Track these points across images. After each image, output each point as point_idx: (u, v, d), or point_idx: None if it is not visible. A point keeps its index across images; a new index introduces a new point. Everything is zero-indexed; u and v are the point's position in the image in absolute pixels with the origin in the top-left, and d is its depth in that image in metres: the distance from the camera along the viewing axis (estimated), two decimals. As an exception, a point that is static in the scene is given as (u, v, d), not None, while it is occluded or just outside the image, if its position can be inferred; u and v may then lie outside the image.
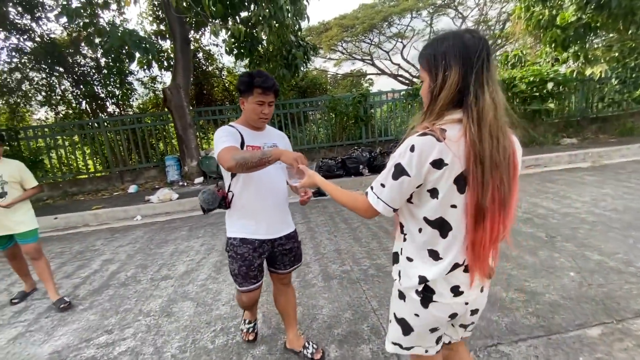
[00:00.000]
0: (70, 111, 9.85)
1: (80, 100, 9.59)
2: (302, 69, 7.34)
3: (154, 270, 3.32)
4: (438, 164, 0.86)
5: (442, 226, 0.94)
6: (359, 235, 3.72)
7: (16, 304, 2.94)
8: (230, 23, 4.65)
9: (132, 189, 6.97)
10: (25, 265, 3.10)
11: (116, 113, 10.03)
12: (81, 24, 5.28)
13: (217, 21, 4.83)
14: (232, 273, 1.74)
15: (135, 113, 10.36)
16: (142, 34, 10.12)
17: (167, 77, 12.82)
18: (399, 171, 0.90)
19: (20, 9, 8.13)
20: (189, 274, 3.15)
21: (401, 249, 1.05)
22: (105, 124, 7.82)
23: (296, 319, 1.98)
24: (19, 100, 10.12)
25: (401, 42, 20.89)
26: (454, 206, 0.91)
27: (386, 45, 21.39)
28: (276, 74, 6.92)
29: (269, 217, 1.72)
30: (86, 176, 7.79)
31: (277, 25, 5.50)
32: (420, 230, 0.98)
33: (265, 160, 1.41)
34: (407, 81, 21.35)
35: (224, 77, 11.74)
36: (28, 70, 9.57)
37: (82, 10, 4.75)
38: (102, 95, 9.60)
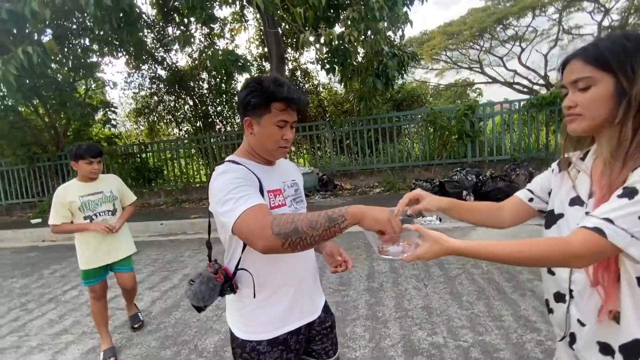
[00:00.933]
0: (191, 128, 11.32)
1: (197, 118, 10.91)
2: (396, 80, 6.70)
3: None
4: None
5: None
6: (459, 289, 2.87)
7: None
8: (321, 30, 4.42)
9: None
10: (107, 310, 2.55)
11: (223, 130, 11.10)
12: (197, 51, 5.88)
13: (307, 30, 4.66)
14: None
15: (239, 129, 11.28)
16: (249, 57, 11.14)
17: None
18: None
19: (157, 43, 9.73)
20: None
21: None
22: (212, 139, 8.61)
23: None
24: (155, 119, 12.17)
25: (519, 45, 18.13)
26: None
27: (499, 50, 18.87)
28: (367, 85, 6.47)
29: (303, 293, 1.15)
30: (197, 185, 8.64)
31: (366, 29, 5.03)
32: None
33: (336, 229, 0.84)
34: (525, 89, 18.36)
35: (320, 94, 11.91)
36: (163, 94, 11.42)
37: (192, 39, 5.27)
38: (213, 113, 10.73)
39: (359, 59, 6.49)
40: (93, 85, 10.38)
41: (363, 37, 5.09)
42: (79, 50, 8.37)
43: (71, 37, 7.59)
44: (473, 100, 7.28)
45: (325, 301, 1.27)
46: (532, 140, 6.95)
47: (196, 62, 9.99)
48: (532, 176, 5.23)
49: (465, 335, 2.19)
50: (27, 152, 8.45)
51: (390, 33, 6.43)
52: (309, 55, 18.44)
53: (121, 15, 4.81)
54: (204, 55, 5.58)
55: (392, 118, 7.56)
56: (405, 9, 6.30)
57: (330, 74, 6.60)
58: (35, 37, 6.39)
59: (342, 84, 6.78)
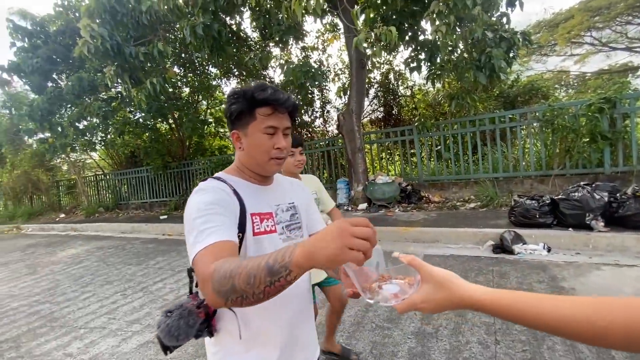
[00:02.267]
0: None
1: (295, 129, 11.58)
2: (506, 71, 5.52)
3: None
4: None
5: None
6: (546, 356, 2.04)
7: None
8: (377, 30, 3.96)
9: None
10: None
11: (313, 138, 11.44)
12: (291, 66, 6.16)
13: (364, 30, 4.25)
14: None
15: (330, 137, 11.44)
16: (340, 65, 11.19)
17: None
18: None
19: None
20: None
21: None
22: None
23: None
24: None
25: None
26: None
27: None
28: (467, 81, 5.53)
29: (294, 337, 0.98)
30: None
31: (456, 21, 4.28)
32: None
33: (282, 284, 0.63)
34: None
35: (416, 96, 11.07)
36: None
37: (271, 56, 5.52)
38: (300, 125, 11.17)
39: (455, 52, 5.65)
40: (207, 103, 12.17)
41: (453, 29, 4.35)
42: (198, 74, 9.95)
43: (188, 65, 9.04)
44: (614, 90, 5.41)
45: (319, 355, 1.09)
46: None
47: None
48: None
49: None
50: (162, 161, 10.46)
51: (491, 17, 5.38)
52: (402, 56, 17.48)
53: (213, 40, 5.41)
54: (282, 69, 5.78)
55: (495, 118, 6.32)
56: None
57: (415, 72, 5.96)
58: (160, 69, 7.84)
59: (429, 82, 6.01)
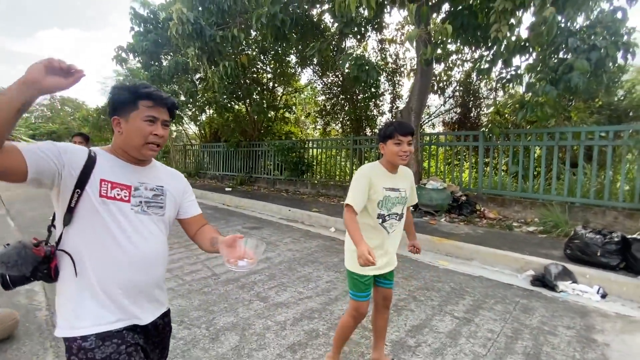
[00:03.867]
0: (349, 130, 12.05)
1: (353, 122, 11.49)
2: (583, 89, 4.57)
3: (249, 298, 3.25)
4: None
5: None
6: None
7: None
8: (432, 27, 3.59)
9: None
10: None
11: (370, 133, 11.18)
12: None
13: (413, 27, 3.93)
14: None
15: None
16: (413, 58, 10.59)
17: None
18: None
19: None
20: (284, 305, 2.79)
21: None
22: (348, 142, 8.84)
23: None
24: (329, 120, 13.70)
25: None
26: None
27: None
28: (536, 93, 4.66)
29: (139, 289, 1.11)
30: (337, 183, 9.20)
31: (519, 21, 3.71)
32: None
33: None
34: None
35: (497, 97, 9.94)
36: (335, 98, 12.69)
37: (330, 48, 5.53)
38: (362, 117, 10.98)
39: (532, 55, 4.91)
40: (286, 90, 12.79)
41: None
42: (278, 62, 10.53)
43: (269, 53, 9.62)
44: None
45: (168, 311, 1.24)
46: None
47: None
48: None
49: None
50: (236, 139, 11.47)
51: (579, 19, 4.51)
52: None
53: (277, 29, 5.68)
54: (338, 62, 5.76)
55: (582, 133, 5.33)
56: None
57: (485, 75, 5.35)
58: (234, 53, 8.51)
59: (500, 87, 5.35)
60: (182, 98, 10.65)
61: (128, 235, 1.07)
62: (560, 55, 4.78)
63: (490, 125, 6.09)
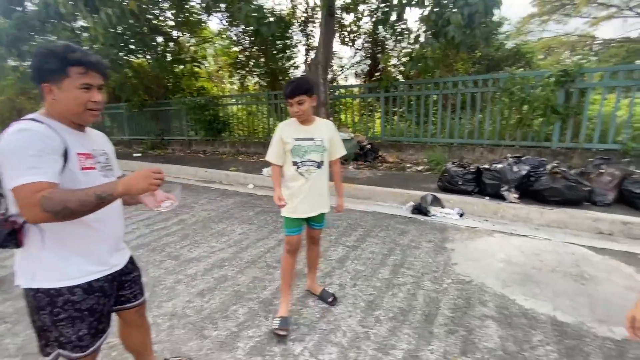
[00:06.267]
0: (263, 84, 11.71)
1: (267, 75, 11.21)
2: (464, 45, 5.21)
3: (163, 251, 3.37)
4: None
5: None
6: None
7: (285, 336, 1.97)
8: None
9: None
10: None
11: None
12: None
13: None
14: (67, 341, 1.16)
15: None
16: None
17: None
18: None
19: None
20: (197, 260, 2.97)
21: None
22: (263, 98, 8.79)
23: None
24: (245, 74, 13.07)
25: None
26: None
27: None
28: (448, 38, 5.10)
29: (110, 240, 1.28)
30: (256, 140, 9.18)
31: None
32: None
33: (105, 203, 1.05)
34: None
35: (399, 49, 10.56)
36: (248, 52, 12.03)
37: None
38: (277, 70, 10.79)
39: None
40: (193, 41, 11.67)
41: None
42: (179, 8, 9.39)
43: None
44: (575, 63, 5.27)
45: (131, 256, 1.45)
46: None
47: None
48: (627, 179, 3.68)
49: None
50: (139, 98, 10.35)
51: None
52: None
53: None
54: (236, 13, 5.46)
55: (458, 83, 6.20)
56: None
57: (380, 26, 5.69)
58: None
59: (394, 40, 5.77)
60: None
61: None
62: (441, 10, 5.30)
63: (382, 77, 6.61)
